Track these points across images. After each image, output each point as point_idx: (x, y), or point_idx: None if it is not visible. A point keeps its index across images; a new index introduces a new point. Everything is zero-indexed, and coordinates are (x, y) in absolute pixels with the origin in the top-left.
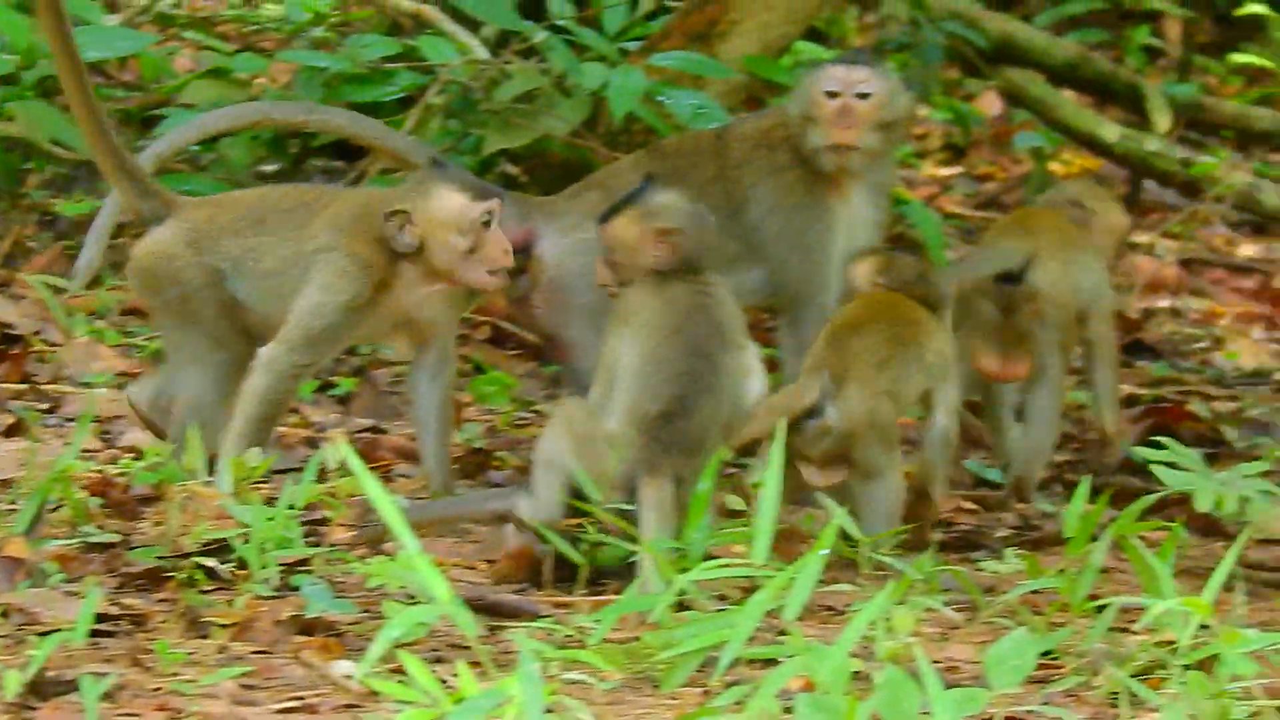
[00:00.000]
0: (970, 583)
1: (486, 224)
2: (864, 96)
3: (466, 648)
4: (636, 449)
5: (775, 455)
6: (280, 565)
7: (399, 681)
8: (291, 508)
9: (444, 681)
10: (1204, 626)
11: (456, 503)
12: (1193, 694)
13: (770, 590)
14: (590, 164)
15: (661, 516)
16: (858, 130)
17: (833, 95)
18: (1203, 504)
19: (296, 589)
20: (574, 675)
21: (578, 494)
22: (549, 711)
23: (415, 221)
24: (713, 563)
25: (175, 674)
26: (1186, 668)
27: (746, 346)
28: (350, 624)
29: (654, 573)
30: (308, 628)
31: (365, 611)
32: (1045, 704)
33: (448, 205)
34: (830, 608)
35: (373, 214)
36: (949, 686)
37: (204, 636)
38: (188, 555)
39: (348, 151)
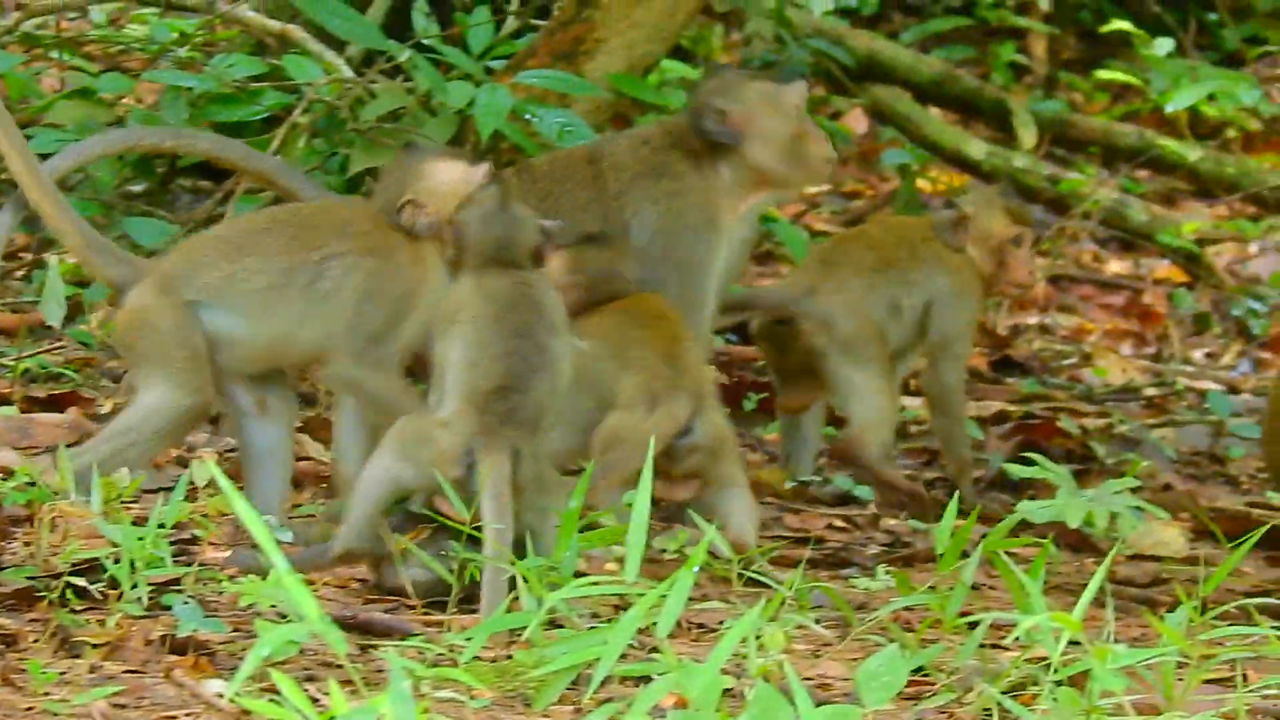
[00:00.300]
0: (841, 600)
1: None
2: None
3: (338, 666)
4: (472, 423)
5: (645, 474)
6: (151, 584)
7: (271, 700)
8: (161, 526)
9: (315, 700)
10: (1075, 643)
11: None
12: (1064, 710)
13: (641, 607)
14: None
15: (499, 491)
16: None
17: None
18: (1073, 521)
19: (168, 608)
20: (446, 694)
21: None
22: None
23: (424, 204)
24: (583, 580)
25: (47, 694)
26: (1058, 684)
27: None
28: (222, 643)
29: (496, 584)
30: (179, 647)
31: (237, 630)
32: None
33: (450, 176)
34: (702, 625)
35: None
36: (820, 703)
37: (76, 656)
38: (59, 575)
39: (214, 172)
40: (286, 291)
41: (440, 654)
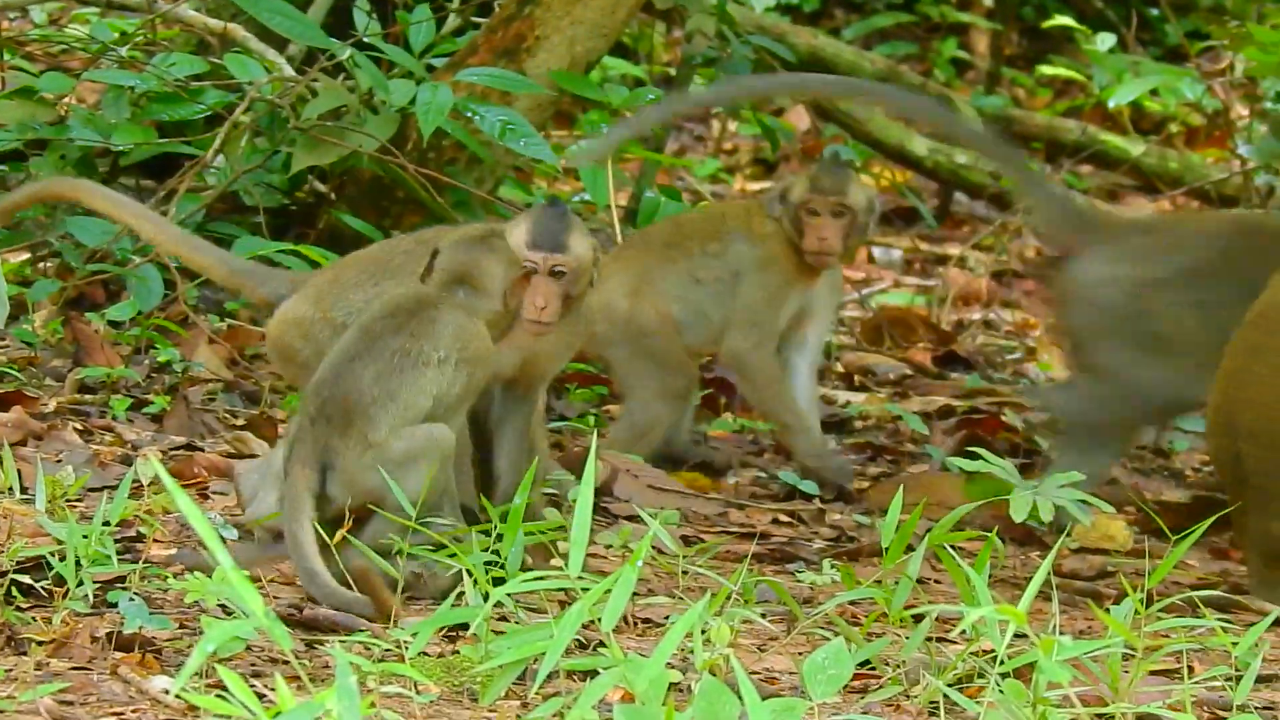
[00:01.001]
0: (787, 594)
1: None
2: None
3: (285, 662)
4: (291, 430)
5: (588, 471)
6: (97, 582)
7: (218, 696)
8: (107, 524)
9: (262, 696)
10: (1021, 636)
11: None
12: (1010, 702)
13: (586, 602)
14: (399, 181)
15: (294, 499)
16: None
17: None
18: (1018, 514)
19: (114, 605)
20: (392, 689)
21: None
22: None
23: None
24: (528, 575)
25: None
26: (1004, 676)
27: (440, 360)
28: (168, 640)
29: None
30: (126, 644)
31: (183, 628)
32: (864, 713)
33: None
34: (649, 620)
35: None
36: (767, 697)
37: (22, 653)
38: (3, 573)
39: (157, 170)
40: None
41: (387, 650)
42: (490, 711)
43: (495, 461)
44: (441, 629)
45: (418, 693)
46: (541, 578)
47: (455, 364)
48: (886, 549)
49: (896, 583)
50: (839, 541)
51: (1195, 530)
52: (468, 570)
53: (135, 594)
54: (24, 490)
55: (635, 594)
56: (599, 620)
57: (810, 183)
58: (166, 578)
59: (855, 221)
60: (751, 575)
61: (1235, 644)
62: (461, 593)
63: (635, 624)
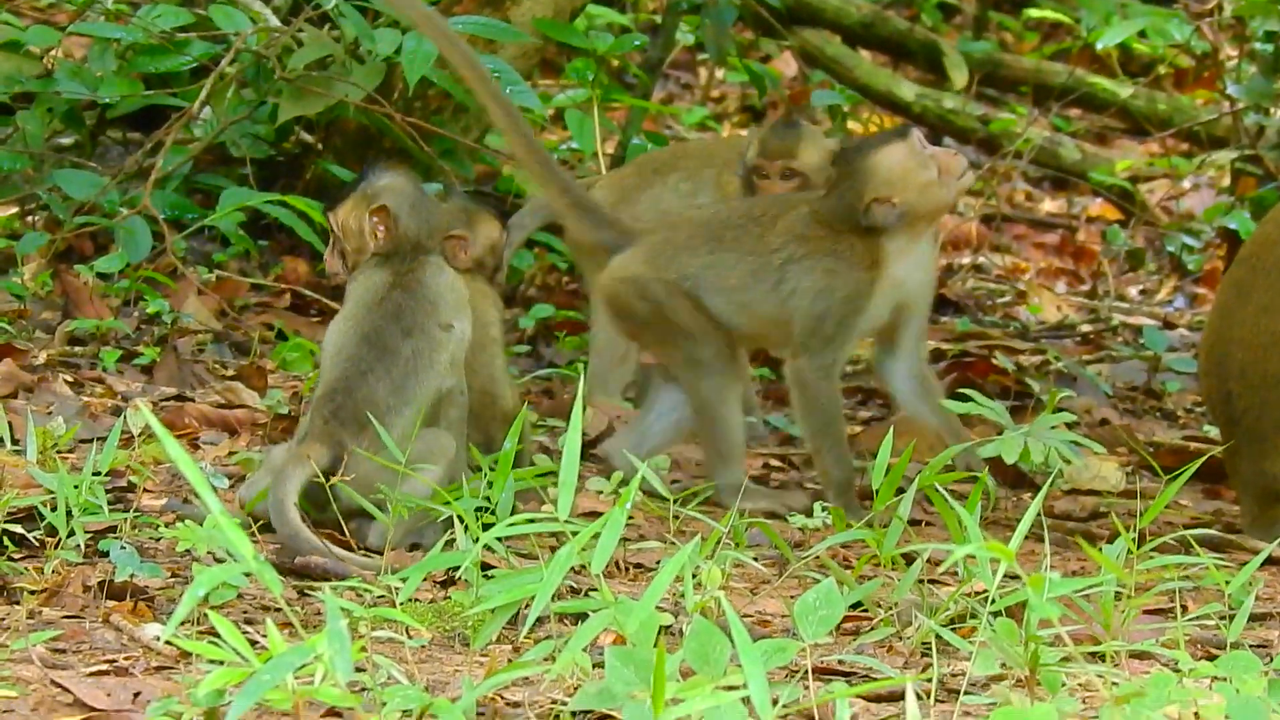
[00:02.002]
0: (778, 537)
1: (924, 148)
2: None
3: (277, 610)
4: (303, 429)
5: (575, 412)
6: (88, 531)
7: (210, 642)
8: (97, 474)
9: (254, 642)
10: (1014, 577)
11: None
12: (1002, 641)
13: (575, 544)
14: (386, 130)
15: (282, 486)
16: None
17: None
18: (1009, 456)
19: (105, 555)
20: (384, 634)
21: None
22: (359, 670)
23: (895, 196)
24: (517, 518)
25: None
26: (995, 615)
27: (445, 327)
28: (160, 588)
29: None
30: (117, 592)
31: (174, 576)
32: (858, 654)
33: (900, 160)
34: (640, 565)
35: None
36: (758, 639)
37: (14, 602)
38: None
39: (144, 123)
40: (751, 294)
41: (379, 596)
42: (481, 656)
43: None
44: (433, 575)
45: (409, 637)
46: (530, 521)
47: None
48: (877, 491)
49: (887, 525)
50: None
51: (1187, 470)
52: (458, 516)
53: (126, 543)
54: (15, 442)
55: (626, 539)
56: (589, 564)
57: (760, 145)
58: (158, 526)
59: (807, 183)
60: (742, 519)
61: (1228, 582)
62: (453, 539)
63: (627, 569)
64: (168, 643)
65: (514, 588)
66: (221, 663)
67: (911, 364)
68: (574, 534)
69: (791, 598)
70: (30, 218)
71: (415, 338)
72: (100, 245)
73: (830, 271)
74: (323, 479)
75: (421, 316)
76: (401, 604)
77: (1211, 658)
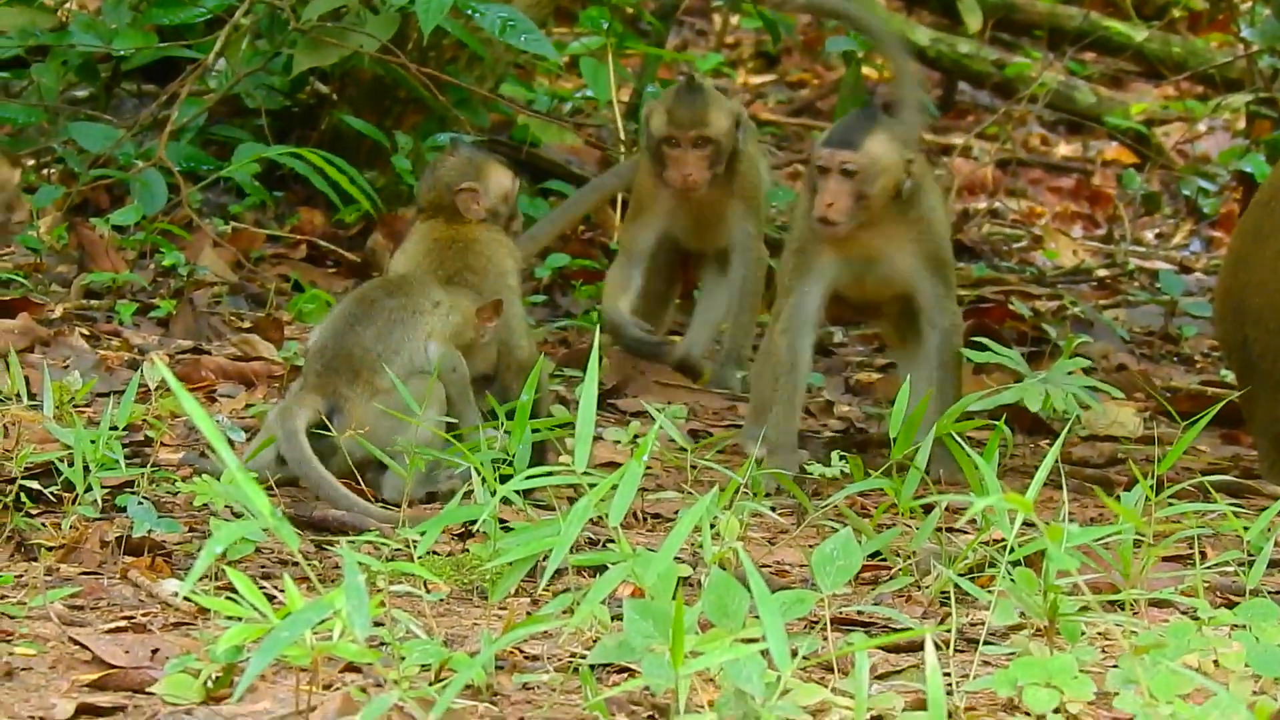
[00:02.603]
0: (796, 487)
1: None
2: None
3: (294, 564)
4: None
5: (591, 363)
6: (105, 487)
7: (228, 598)
8: (114, 428)
9: (271, 598)
10: (1031, 524)
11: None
12: (1021, 590)
13: (593, 497)
14: (400, 80)
15: (290, 433)
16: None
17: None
18: (1031, 404)
19: (122, 510)
20: (402, 588)
21: None
22: (378, 624)
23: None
24: (535, 470)
25: (4, 596)
26: (1014, 564)
27: (434, 305)
28: (178, 544)
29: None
30: (135, 548)
31: (191, 530)
32: (877, 604)
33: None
34: (658, 515)
35: None
36: (777, 589)
37: (32, 559)
38: (12, 479)
39: (159, 75)
40: None
41: (396, 550)
42: (500, 609)
43: None
44: (450, 528)
45: (427, 591)
46: (548, 474)
47: (450, 306)
48: (894, 440)
49: (905, 473)
50: (847, 433)
51: (1204, 416)
52: (476, 468)
53: (144, 498)
54: (31, 396)
55: (644, 489)
56: (607, 516)
57: (668, 115)
58: (175, 481)
59: (719, 150)
60: (760, 469)
61: (1246, 529)
62: (470, 491)
63: (644, 519)
64: (186, 599)
65: (532, 541)
66: (239, 619)
67: None
68: (591, 486)
69: (809, 547)
70: (45, 171)
71: (398, 297)
72: (115, 198)
73: None
74: (328, 427)
75: (410, 283)
76: (419, 558)
77: (1231, 605)
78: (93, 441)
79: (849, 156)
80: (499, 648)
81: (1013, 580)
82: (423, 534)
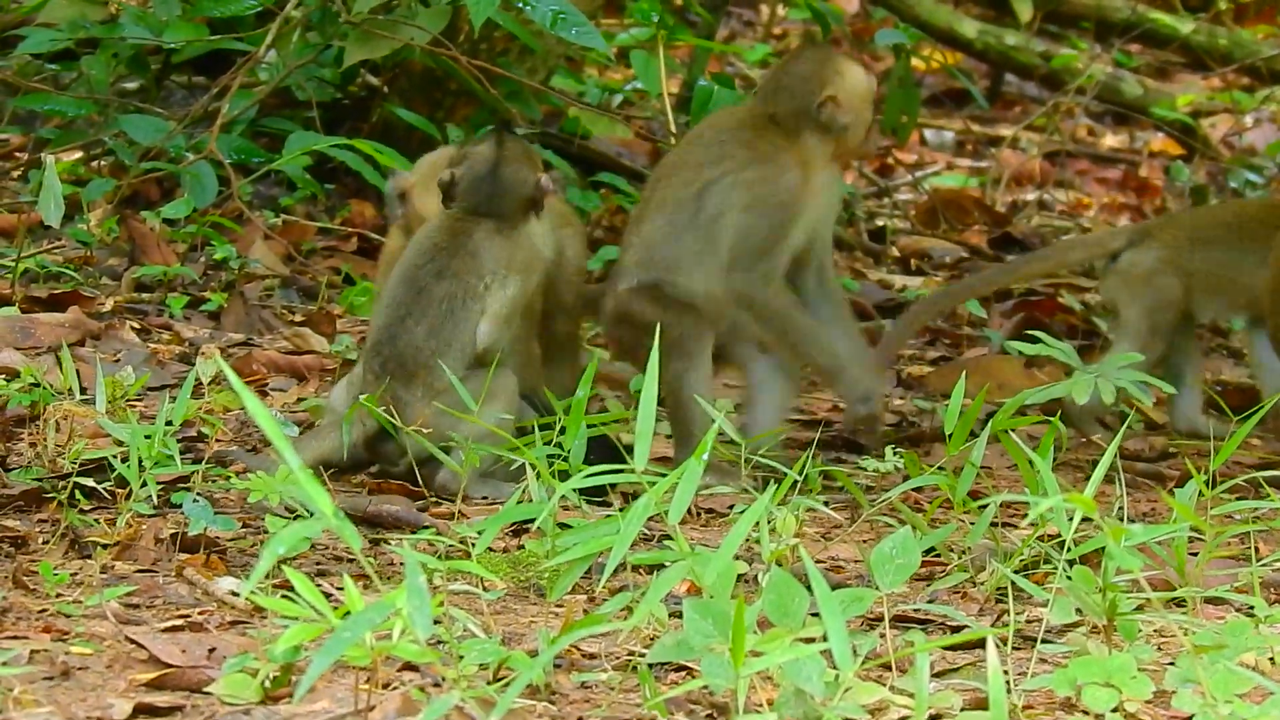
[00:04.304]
0: (851, 483)
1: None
2: None
3: (350, 560)
4: (358, 381)
5: (651, 362)
6: (160, 483)
7: (284, 597)
8: (169, 424)
9: (328, 595)
10: (1086, 519)
11: None
12: (1079, 588)
13: (652, 495)
14: (451, 73)
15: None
16: None
17: None
18: (1080, 397)
19: (177, 506)
20: (459, 586)
21: None
22: (436, 623)
23: (844, 106)
24: (593, 469)
25: (59, 595)
26: (1071, 563)
27: (486, 286)
28: (232, 540)
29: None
30: (190, 545)
31: (246, 527)
32: (931, 601)
33: (861, 80)
34: (712, 510)
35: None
36: (834, 587)
37: (86, 556)
38: (66, 476)
39: (209, 67)
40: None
41: (451, 546)
42: (558, 607)
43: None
44: (507, 525)
45: (485, 589)
46: (607, 472)
47: (504, 278)
48: (950, 435)
49: (960, 469)
50: (900, 427)
51: (1258, 411)
52: (531, 464)
53: (199, 495)
54: (83, 391)
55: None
56: (664, 512)
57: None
58: (230, 478)
59: None
60: (814, 465)
61: None
62: (526, 487)
63: (699, 514)
64: (244, 597)
65: (590, 539)
66: (297, 618)
67: (821, 278)
68: (650, 484)
69: (864, 543)
70: (96, 163)
71: (449, 281)
72: (166, 190)
73: (756, 181)
74: (392, 426)
75: (458, 265)
76: (477, 556)
77: None
78: (147, 437)
79: None
80: (558, 649)
81: (1070, 579)
82: (480, 532)
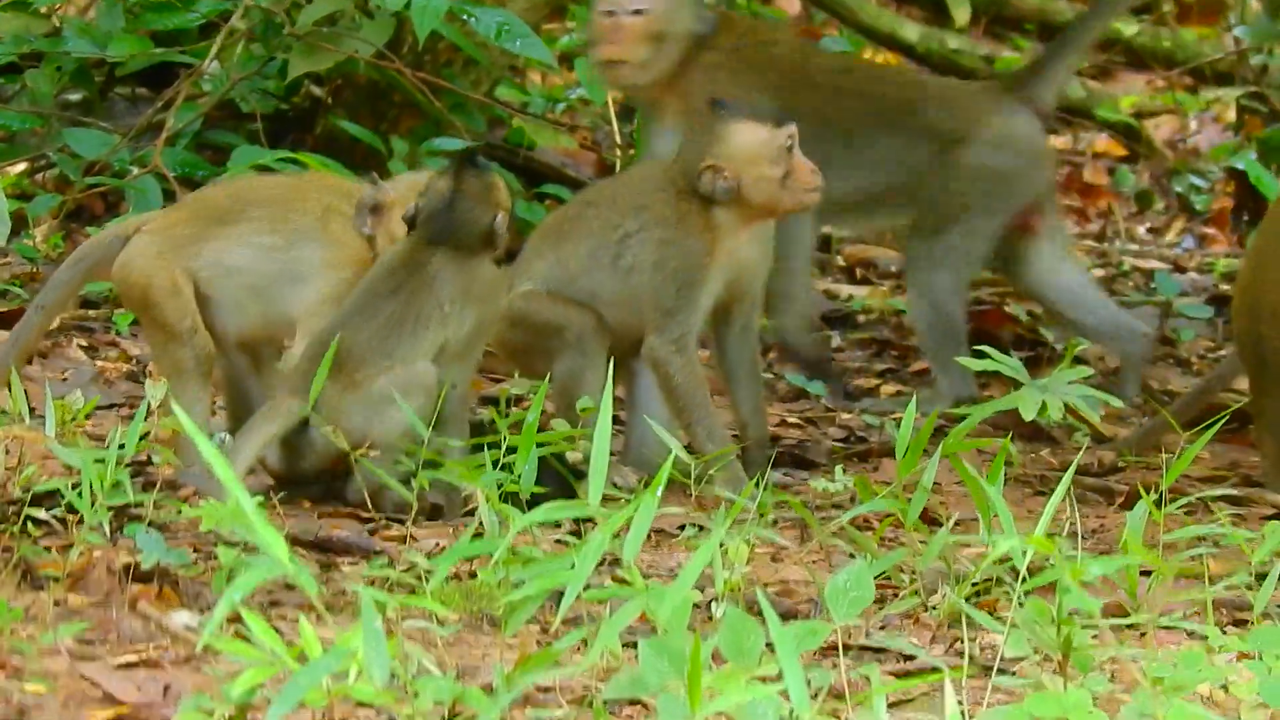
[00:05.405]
0: (802, 507)
1: (789, 149)
2: (637, 13)
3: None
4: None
5: (605, 398)
6: (110, 508)
7: (238, 634)
8: (122, 447)
9: (280, 632)
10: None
11: None
12: (1033, 620)
13: (606, 532)
14: (396, 85)
15: (256, 427)
16: (626, 45)
17: (608, 14)
18: (1028, 413)
19: (128, 534)
20: (413, 623)
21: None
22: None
23: (728, 171)
24: (550, 506)
25: (13, 631)
26: (1027, 594)
27: (442, 316)
28: (184, 567)
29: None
30: (144, 575)
31: (198, 552)
32: (884, 628)
33: (752, 140)
34: (662, 530)
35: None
36: (786, 613)
37: (39, 588)
38: (17, 502)
39: (154, 80)
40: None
41: (403, 572)
42: (511, 638)
43: (739, 408)
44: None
45: (439, 625)
46: (563, 508)
47: (461, 308)
48: (903, 456)
49: (912, 487)
50: (849, 441)
51: (1212, 425)
52: (484, 496)
53: (150, 524)
54: (32, 412)
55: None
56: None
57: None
58: (179, 510)
59: None
60: (766, 491)
61: (1250, 540)
62: (474, 509)
63: (650, 536)
64: (198, 645)
65: (544, 575)
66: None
67: (742, 346)
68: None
69: (814, 563)
70: (40, 175)
71: (402, 301)
72: (111, 204)
73: (665, 242)
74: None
75: (414, 287)
76: (431, 591)
77: (1238, 623)
78: (99, 461)
79: None
80: (516, 692)
81: (1023, 608)
82: (432, 560)
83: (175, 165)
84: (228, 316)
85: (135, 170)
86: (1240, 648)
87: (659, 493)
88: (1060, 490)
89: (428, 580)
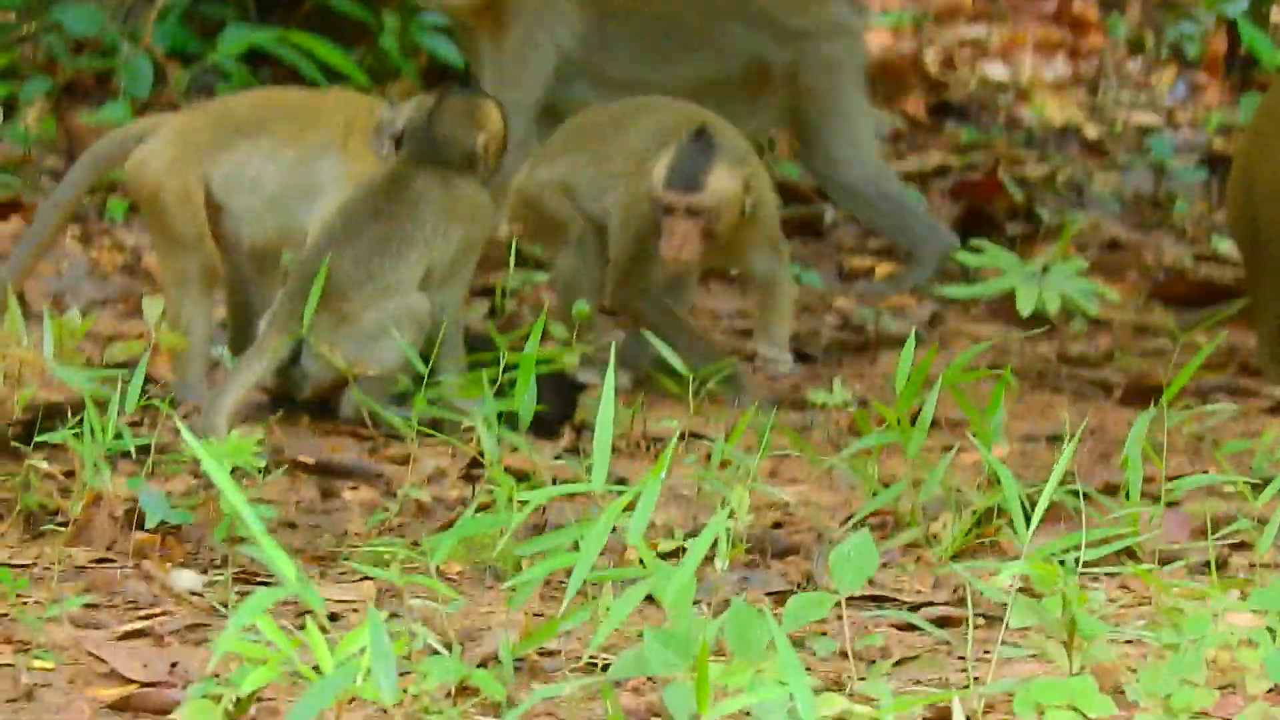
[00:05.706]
0: (797, 437)
1: None
2: None
3: (305, 558)
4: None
5: (609, 371)
6: (110, 457)
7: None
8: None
9: (286, 629)
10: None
11: None
12: (1038, 606)
13: (611, 513)
14: (375, 11)
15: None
16: None
17: None
18: (1024, 307)
19: (132, 488)
20: (418, 601)
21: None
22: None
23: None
24: (555, 489)
25: (19, 597)
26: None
27: (427, 236)
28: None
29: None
30: (146, 521)
31: (197, 479)
32: (885, 565)
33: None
34: (660, 439)
35: None
36: (784, 550)
37: (40, 535)
38: (20, 454)
39: None
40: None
41: (410, 551)
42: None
43: None
44: (457, 472)
45: (443, 605)
46: (567, 493)
47: (444, 231)
48: (900, 393)
49: (912, 426)
50: (844, 330)
51: (1210, 342)
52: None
53: (150, 476)
54: (22, 300)
55: (646, 416)
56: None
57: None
58: (181, 459)
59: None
60: (758, 413)
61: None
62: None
63: (647, 447)
64: (210, 665)
65: (550, 555)
66: (263, 660)
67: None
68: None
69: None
70: (30, 53)
71: (384, 222)
72: (101, 81)
73: (631, 200)
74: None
75: (396, 209)
76: (436, 566)
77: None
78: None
79: (695, 199)
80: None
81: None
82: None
83: (166, 40)
84: (242, 227)
85: (126, 47)
86: (1244, 607)
87: (662, 475)
88: (1050, 484)
89: (432, 555)
